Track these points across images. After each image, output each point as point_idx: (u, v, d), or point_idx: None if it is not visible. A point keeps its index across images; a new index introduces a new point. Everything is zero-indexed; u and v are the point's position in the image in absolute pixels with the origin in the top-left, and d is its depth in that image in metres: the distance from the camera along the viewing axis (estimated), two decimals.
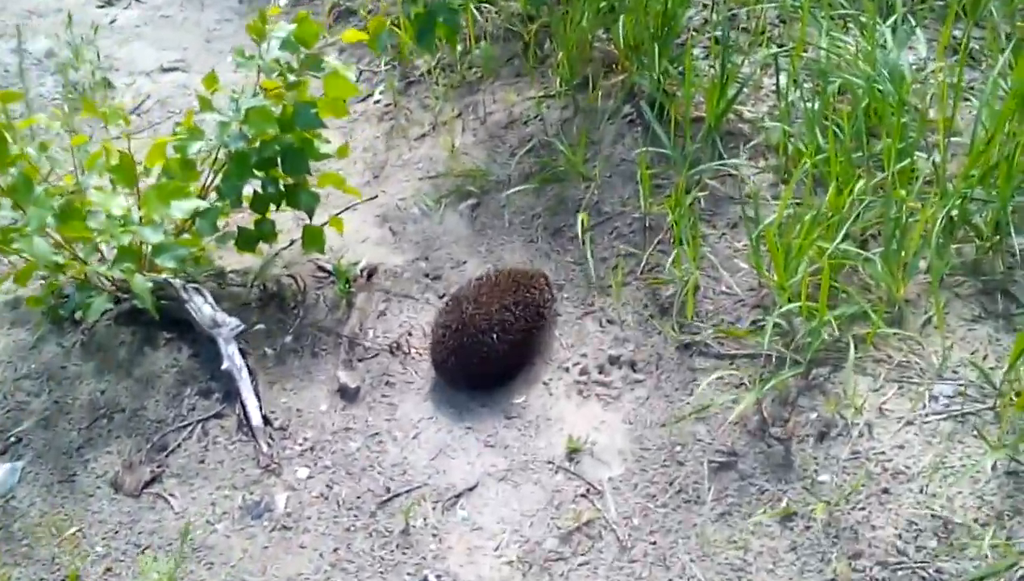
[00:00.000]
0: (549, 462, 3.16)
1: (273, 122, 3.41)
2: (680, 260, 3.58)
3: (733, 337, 3.37)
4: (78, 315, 3.64)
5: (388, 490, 3.12)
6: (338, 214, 4.28)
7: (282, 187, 3.73)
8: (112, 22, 6.22)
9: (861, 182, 3.46)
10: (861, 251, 3.29)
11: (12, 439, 3.46)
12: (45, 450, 3.42)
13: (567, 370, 3.49)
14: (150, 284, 3.41)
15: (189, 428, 3.38)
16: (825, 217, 3.39)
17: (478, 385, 3.42)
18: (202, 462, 3.27)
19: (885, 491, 2.80)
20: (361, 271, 3.93)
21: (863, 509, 2.78)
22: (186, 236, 3.63)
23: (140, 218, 3.32)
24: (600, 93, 4.46)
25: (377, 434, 3.31)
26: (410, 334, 3.67)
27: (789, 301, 3.22)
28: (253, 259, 3.96)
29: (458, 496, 3.08)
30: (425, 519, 3.01)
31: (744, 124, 4.20)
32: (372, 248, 4.18)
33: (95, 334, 3.75)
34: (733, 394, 3.19)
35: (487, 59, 4.91)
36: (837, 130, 3.65)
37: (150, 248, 3.48)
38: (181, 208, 3.30)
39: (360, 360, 3.59)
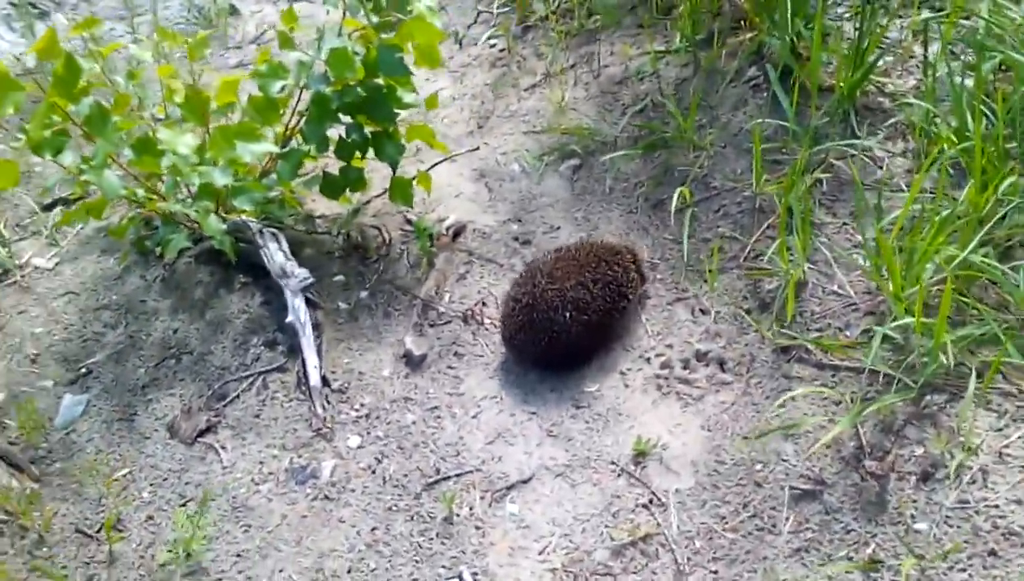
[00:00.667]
0: (613, 463, 2.83)
1: (353, 66, 3.13)
2: (787, 251, 3.13)
3: (838, 347, 2.92)
4: (159, 251, 3.52)
5: (438, 471, 2.87)
6: (433, 166, 4.01)
7: (368, 134, 3.45)
8: None
9: (1011, 179, 2.91)
10: (997, 265, 2.77)
11: (83, 370, 3.39)
12: (112, 385, 3.33)
13: (648, 361, 3.13)
14: (223, 226, 3.23)
15: (250, 379, 3.21)
16: (961, 217, 2.88)
17: (548, 366, 3.12)
18: (257, 416, 3.11)
19: (992, 553, 2.35)
20: (447, 229, 3.64)
21: (963, 571, 2.34)
22: (270, 181, 3.44)
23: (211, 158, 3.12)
24: (724, 52, 4.00)
25: (436, 408, 3.05)
26: (485, 303, 3.38)
27: (906, 313, 2.75)
28: (344, 207, 3.75)
29: (510, 488, 2.80)
30: (471, 508, 2.76)
31: (884, 98, 3.66)
32: (465, 204, 3.89)
33: (176, 271, 3.63)
34: (829, 413, 2.77)
35: (607, 7, 4.49)
36: (990, 115, 3.10)
37: (229, 189, 3.29)
38: (249, 150, 3.08)
39: (432, 325, 3.33)
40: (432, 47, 3.43)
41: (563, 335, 3.02)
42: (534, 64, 4.54)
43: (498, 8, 4.96)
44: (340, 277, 3.53)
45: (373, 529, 2.74)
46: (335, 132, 3.48)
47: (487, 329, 3.29)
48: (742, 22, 4.05)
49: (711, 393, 2.98)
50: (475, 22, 4.92)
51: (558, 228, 3.74)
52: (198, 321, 3.44)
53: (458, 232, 3.69)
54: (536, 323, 3.03)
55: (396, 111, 3.36)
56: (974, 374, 2.63)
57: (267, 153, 3.15)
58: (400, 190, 3.57)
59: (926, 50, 3.51)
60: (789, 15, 3.59)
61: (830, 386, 2.85)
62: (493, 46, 4.79)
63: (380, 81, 3.31)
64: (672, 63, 4.16)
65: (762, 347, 3.04)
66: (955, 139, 3.21)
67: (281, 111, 3.32)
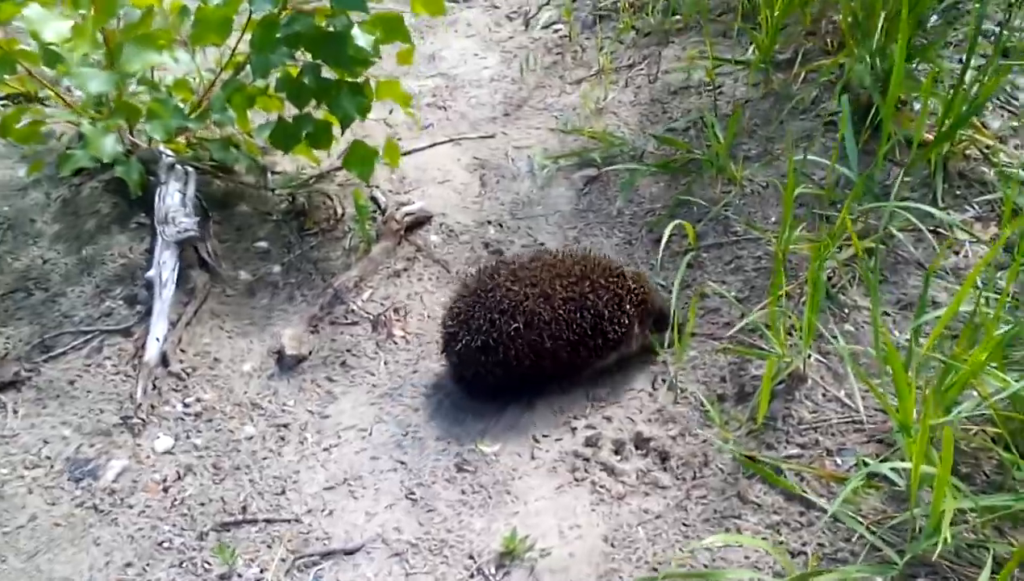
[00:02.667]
0: (471, 557, 2.03)
1: None
2: (786, 331, 2.25)
3: (818, 476, 2.03)
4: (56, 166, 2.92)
5: (244, 510, 2.13)
6: (432, 146, 3.31)
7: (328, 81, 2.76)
8: None
9: None
10: None
11: None
12: None
13: (574, 431, 2.31)
14: (119, 149, 2.62)
15: (88, 337, 2.56)
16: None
17: (476, 383, 2.35)
18: (72, 383, 2.45)
19: None
20: (403, 216, 2.91)
21: None
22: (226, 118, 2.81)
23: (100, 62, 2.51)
24: (804, 75, 3.10)
25: (286, 427, 2.33)
26: (402, 311, 2.63)
27: (916, 454, 1.83)
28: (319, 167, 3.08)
29: (325, 556, 2.04)
30: (262, 572, 2.01)
31: (989, 169, 2.70)
32: (446, 194, 3.15)
33: (80, 194, 3.02)
34: (773, 572, 1.88)
35: (690, 3, 3.65)
36: None
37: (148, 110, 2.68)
38: (140, 57, 2.45)
39: (333, 323, 2.61)
40: None
41: (499, 349, 2.25)
42: (592, 57, 3.75)
43: None
44: (263, 243, 2.86)
45: (127, 565, 2.03)
46: None
47: (395, 343, 2.54)
48: (834, 43, 3.14)
49: (637, 494, 2.13)
50: (548, 3, 4.16)
51: (541, 244, 2.95)
52: (72, 255, 2.82)
53: (418, 222, 2.95)
54: (473, 323, 2.27)
55: (367, 57, 2.64)
56: (991, 560, 1.69)
57: (153, 64, 2.50)
58: (357, 158, 2.87)
59: None
60: (882, 36, 2.67)
61: (792, 528, 1.96)
62: (558, 32, 4.02)
63: (352, 18, 2.61)
64: (741, 79, 3.29)
65: (722, 450, 2.17)
66: None
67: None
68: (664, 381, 2.38)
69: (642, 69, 3.57)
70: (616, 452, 2.24)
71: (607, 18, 3.94)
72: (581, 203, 3.09)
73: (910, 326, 2.09)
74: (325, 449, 2.26)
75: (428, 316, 2.62)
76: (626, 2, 3.86)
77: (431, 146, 3.37)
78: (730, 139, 2.82)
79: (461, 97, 3.73)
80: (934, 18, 3.03)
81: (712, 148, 2.89)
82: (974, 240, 2.49)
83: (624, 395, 2.38)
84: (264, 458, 2.24)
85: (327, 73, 2.71)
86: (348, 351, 2.51)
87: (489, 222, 3.04)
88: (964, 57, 2.68)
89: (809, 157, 2.75)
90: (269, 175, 3.07)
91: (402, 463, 2.23)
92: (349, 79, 2.73)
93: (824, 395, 2.20)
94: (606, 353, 2.34)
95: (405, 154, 3.32)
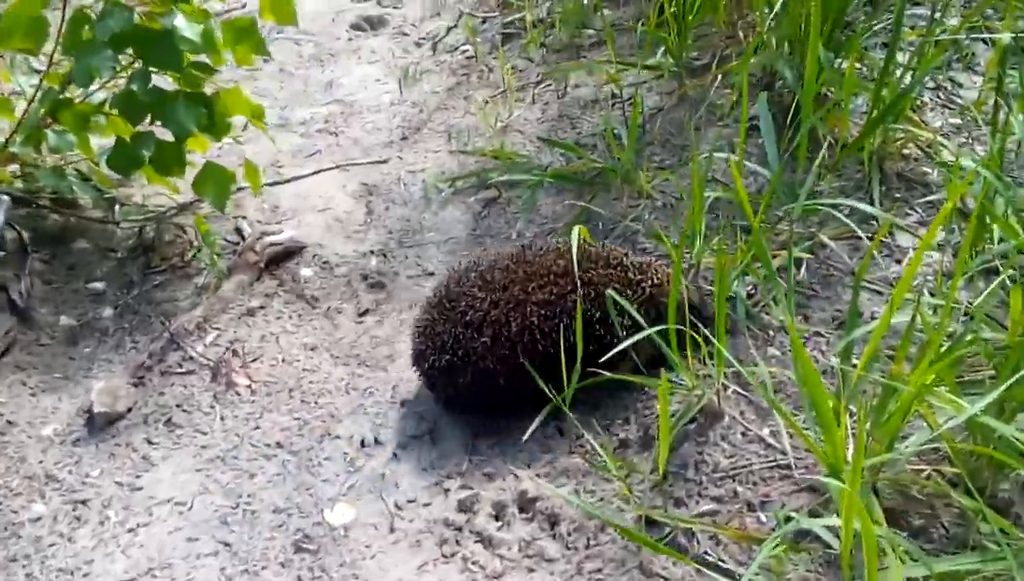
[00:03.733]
0: None
1: None
2: (699, 358, 1.83)
3: (735, 537, 1.58)
4: None
5: None
6: (315, 173, 2.90)
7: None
8: None
9: None
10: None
11: None
12: None
13: (447, 492, 1.85)
14: None
15: None
16: (995, 351, 1.53)
17: (452, 405, 2.00)
18: None
19: None
20: (262, 248, 2.48)
21: None
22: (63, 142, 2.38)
23: None
24: (719, 79, 2.73)
25: (84, 504, 1.86)
26: (255, 358, 2.18)
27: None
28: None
29: None
30: None
31: (928, 167, 2.33)
32: (326, 223, 2.73)
33: None
34: None
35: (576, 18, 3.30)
36: None
37: None
38: None
39: (164, 373, 2.15)
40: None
41: (468, 369, 1.86)
42: (499, 77, 3.38)
43: (486, 12, 3.83)
44: (99, 283, 2.42)
45: None
46: None
47: (237, 394, 2.09)
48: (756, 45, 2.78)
49: (518, 570, 1.68)
50: (456, 26, 3.80)
51: (430, 274, 2.53)
52: None
53: (287, 254, 2.52)
54: (438, 340, 1.91)
55: (195, 51, 2.23)
56: None
57: None
58: (210, 182, 2.44)
59: (997, 98, 2.15)
60: (802, 30, 2.30)
61: None
62: (464, 53, 3.65)
63: (182, 22, 2.20)
64: (656, 89, 2.92)
65: (624, 509, 1.72)
66: (1017, 229, 1.86)
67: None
68: (559, 430, 1.94)
69: (550, 85, 3.20)
70: (496, 517, 1.79)
71: (517, 36, 3.58)
72: (478, 227, 2.69)
73: (839, 345, 1.67)
74: (130, 530, 1.79)
75: (283, 360, 2.17)
76: (535, 18, 3.51)
77: (315, 173, 2.96)
78: (632, 144, 2.43)
79: (356, 123, 3.33)
80: (864, 11, 2.69)
81: (619, 160, 2.50)
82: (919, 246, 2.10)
83: (510, 444, 1.93)
84: (51, 545, 1.76)
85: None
86: (178, 406, 2.05)
87: (372, 252, 2.62)
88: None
89: (724, 162, 2.37)
90: (117, 208, 2.63)
91: (226, 544, 1.76)
92: (189, 89, 2.31)
93: (744, 435, 1.76)
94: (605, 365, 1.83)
95: (285, 182, 2.92)
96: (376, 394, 2.09)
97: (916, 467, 1.58)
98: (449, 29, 3.83)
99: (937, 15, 2.33)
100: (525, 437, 1.79)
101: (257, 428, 1.99)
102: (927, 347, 1.45)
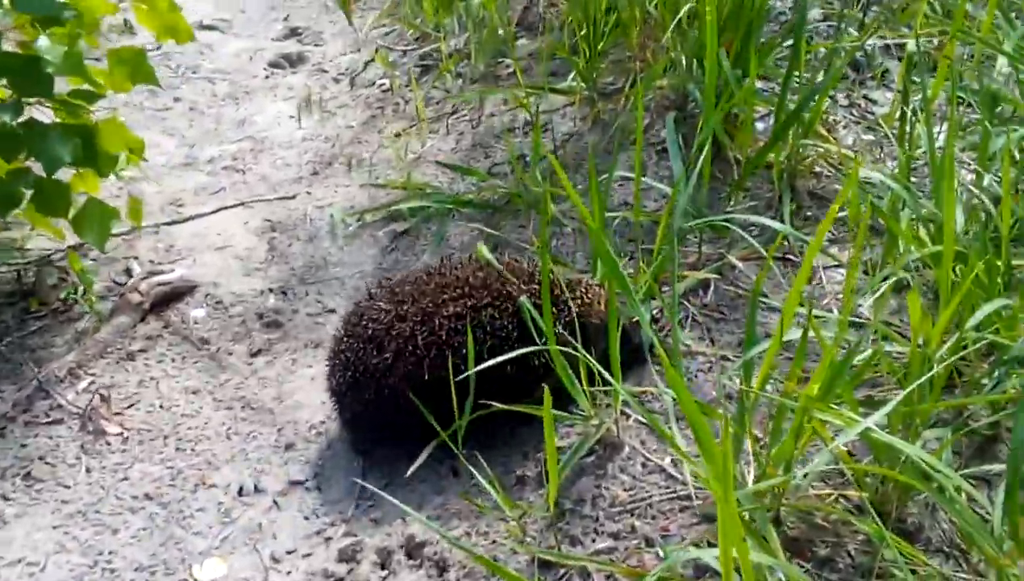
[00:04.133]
0: None
1: None
2: (584, 388, 1.71)
3: (630, 574, 1.46)
4: None
5: None
6: (216, 211, 2.78)
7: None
8: None
9: (999, 303, 1.46)
10: (945, 471, 1.28)
11: None
12: None
13: (328, 540, 1.70)
14: None
15: None
16: (896, 366, 1.43)
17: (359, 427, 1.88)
18: None
19: None
20: (147, 288, 2.33)
21: None
22: None
23: None
24: (629, 101, 2.66)
25: None
26: (131, 404, 2.02)
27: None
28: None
29: None
30: None
31: (840, 184, 2.27)
32: (223, 262, 2.59)
33: None
34: None
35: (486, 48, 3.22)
36: (991, 211, 1.68)
37: None
38: None
39: (28, 423, 1.99)
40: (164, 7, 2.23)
41: (370, 387, 1.74)
42: (415, 109, 3.29)
43: (404, 45, 3.76)
44: None
45: None
46: None
47: (107, 443, 1.93)
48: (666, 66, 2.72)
49: None
50: (372, 60, 3.72)
51: (331, 311, 2.40)
52: None
53: (177, 294, 2.37)
54: (342, 357, 1.79)
55: (59, 73, 2.09)
56: None
57: None
58: (90, 219, 2.29)
59: (905, 106, 2.10)
60: (711, 43, 2.23)
61: None
62: (381, 86, 3.57)
63: (45, 44, 2.08)
64: (569, 115, 2.84)
65: (519, 552, 1.59)
66: (925, 240, 1.79)
67: None
68: (453, 470, 1.81)
69: (465, 115, 3.11)
70: (381, 566, 1.65)
71: (434, 68, 3.50)
72: (386, 261, 2.57)
73: (737, 366, 1.57)
74: None
75: (160, 406, 2.02)
76: (450, 49, 3.44)
77: (216, 211, 2.83)
78: (534, 168, 2.33)
79: (266, 159, 3.22)
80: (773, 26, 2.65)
81: (527, 186, 2.40)
82: (836, 264, 2.02)
83: (402, 485, 1.79)
84: None
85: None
86: (40, 458, 1.89)
87: (271, 290, 2.48)
88: (805, 67, 2.28)
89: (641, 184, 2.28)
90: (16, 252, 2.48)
91: None
92: (70, 120, 2.19)
93: (644, 465, 1.65)
94: (525, 387, 1.67)
95: (184, 221, 2.78)
96: (259, 438, 1.95)
97: (821, 492, 1.48)
98: (366, 63, 3.75)
99: (843, 27, 2.27)
100: (409, 472, 1.64)
101: (125, 479, 1.83)
102: (821, 364, 1.35)
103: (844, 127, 2.51)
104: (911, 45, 2.03)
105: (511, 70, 3.32)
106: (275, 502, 1.79)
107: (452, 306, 1.75)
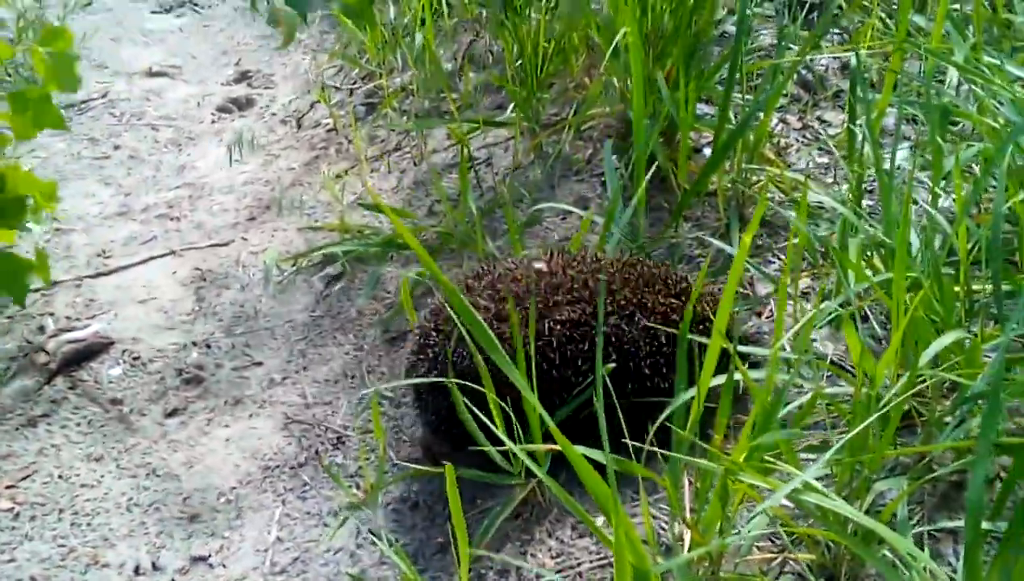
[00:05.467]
0: None
1: None
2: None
3: None
4: None
5: None
6: (145, 261, 2.63)
7: None
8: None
9: (955, 336, 1.31)
10: (892, 536, 1.12)
11: None
12: None
13: None
14: None
15: None
16: (837, 406, 1.28)
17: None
18: None
19: None
20: (53, 349, 2.17)
21: None
22: None
23: None
24: (571, 131, 2.53)
25: None
26: (25, 475, 1.85)
27: None
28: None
29: None
30: None
31: (794, 211, 2.12)
32: (146, 316, 2.44)
33: None
34: None
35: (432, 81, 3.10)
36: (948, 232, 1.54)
37: None
38: None
39: None
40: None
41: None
42: (358, 149, 3.16)
43: (350, 84, 3.65)
44: None
45: None
46: None
47: None
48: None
49: None
50: (318, 101, 3.59)
51: (259, 364, 2.24)
52: None
53: (89, 352, 2.21)
54: (429, 352, 1.62)
55: None
56: None
57: None
58: (2, 272, 2.13)
59: (852, 125, 1.96)
60: (636, 66, 2.10)
61: None
62: (326, 127, 3.44)
63: None
64: (515, 148, 2.71)
65: None
66: (879, 267, 1.64)
67: None
68: (371, 531, 1.64)
69: (407, 153, 2.98)
70: None
71: (380, 106, 3.38)
72: (319, 308, 2.41)
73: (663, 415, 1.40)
74: None
75: (59, 476, 1.85)
76: (393, 86, 3.31)
77: (144, 261, 2.68)
78: (465, 205, 2.19)
79: (203, 206, 3.08)
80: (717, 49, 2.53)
81: (460, 225, 2.26)
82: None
83: (316, 557, 1.62)
84: None
85: None
86: None
87: (194, 344, 2.32)
88: (754, 90, 2.15)
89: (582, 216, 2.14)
90: None
91: None
92: None
93: (574, 528, 1.48)
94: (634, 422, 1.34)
95: (108, 273, 2.63)
96: (162, 509, 1.77)
97: (767, 555, 1.31)
98: (313, 104, 3.63)
99: (783, 44, 2.15)
100: (324, 544, 1.47)
101: (11, 561, 1.66)
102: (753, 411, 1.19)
103: (796, 150, 2.38)
104: (853, 60, 1.90)
105: (458, 105, 3.20)
106: None
107: (567, 311, 1.54)
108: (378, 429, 1.60)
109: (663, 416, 1.30)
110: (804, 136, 2.46)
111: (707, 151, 2.41)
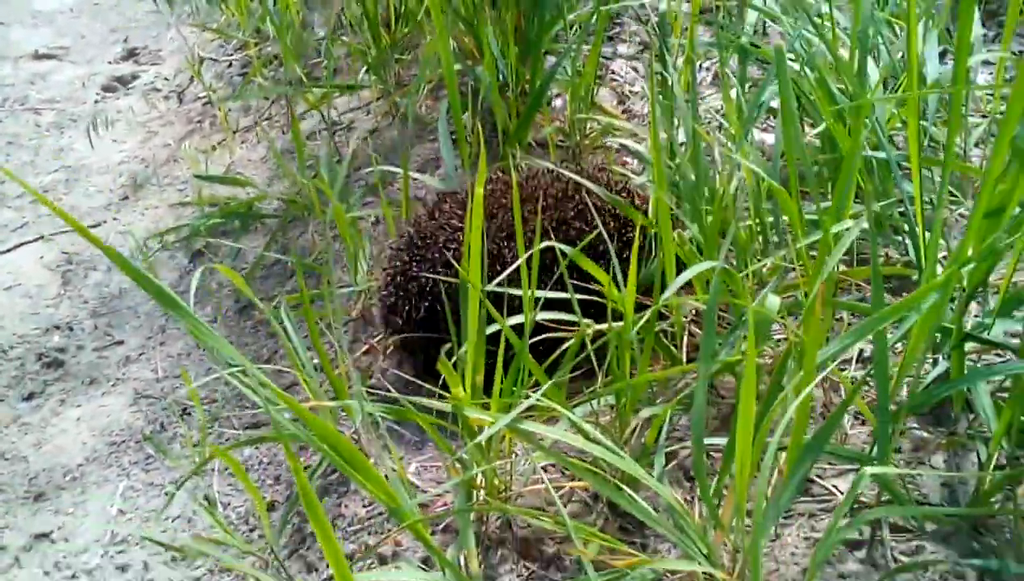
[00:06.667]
0: None
1: None
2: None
3: None
4: None
5: None
6: (13, 248, 2.63)
7: None
8: None
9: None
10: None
11: None
12: None
13: None
14: None
15: None
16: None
17: None
18: None
19: None
20: None
21: None
22: None
23: None
24: (425, 93, 2.57)
25: None
26: None
27: None
28: None
29: None
30: None
31: (631, 158, 2.19)
32: (10, 301, 2.45)
33: None
34: None
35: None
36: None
37: None
38: None
39: None
40: None
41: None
42: (233, 120, 3.16)
43: (227, 55, 3.63)
44: None
45: None
46: None
47: None
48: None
49: None
50: (199, 74, 3.57)
51: (120, 343, 2.27)
52: None
53: None
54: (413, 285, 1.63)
55: None
56: None
57: None
58: None
59: (664, 71, 2.02)
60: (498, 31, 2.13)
61: None
62: (203, 100, 3.43)
63: None
64: (376, 111, 2.74)
65: None
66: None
67: None
68: (205, 496, 1.69)
69: (278, 122, 2.99)
70: None
71: (248, 76, 3.37)
72: (183, 284, 2.44)
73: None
74: None
75: None
76: (264, 56, 3.31)
77: (13, 249, 2.68)
78: (302, 170, 2.22)
79: (79, 188, 3.07)
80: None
81: (304, 191, 2.29)
82: None
83: (156, 525, 1.67)
84: None
85: None
86: None
87: (57, 327, 2.34)
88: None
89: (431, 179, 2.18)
90: None
91: None
92: None
93: (387, 477, 1.54)
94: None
95: None
96: (8, 491, 1.81)
97: (557, 483, 1.39)
98: (191, 78, 3.61)
99: None
100: (163, 509, 1.52)
101: None
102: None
103: (642, 98, 2.44)
104: (662, 5, 1.95)
105: (330, 70, 3.21)
106: (16, 559, 1.66)
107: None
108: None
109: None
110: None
111: (557, 102, 2.47)
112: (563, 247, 1.33)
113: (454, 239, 1.59)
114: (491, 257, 1.50)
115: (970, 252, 1.18)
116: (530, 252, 1.29)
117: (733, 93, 1.80)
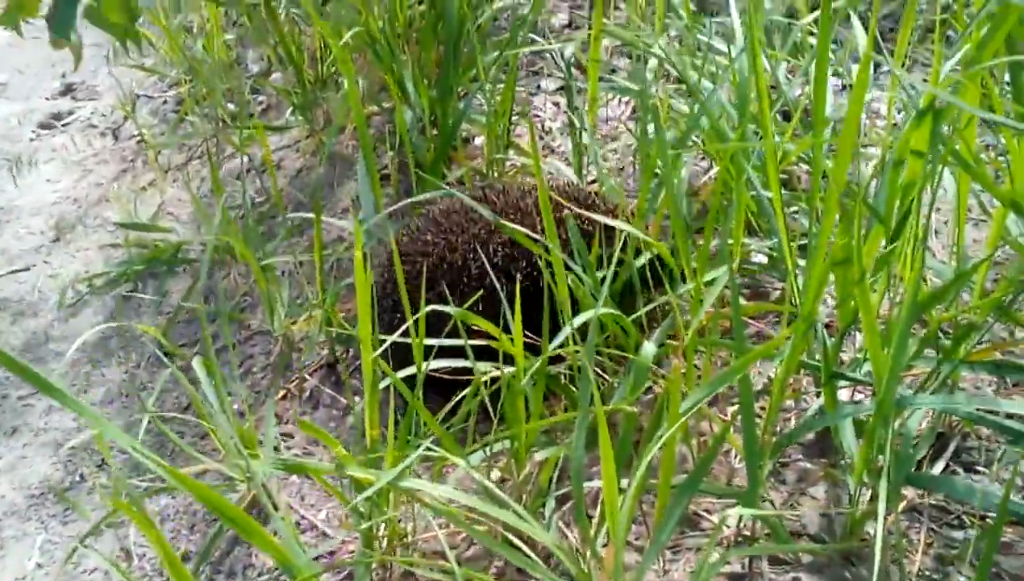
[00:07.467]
0: None
1: None
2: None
3: None
4: None
5: None
6: None
7: None
8: None
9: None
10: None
11: None
12: None
13: None
14: None
15: None
16: None
17: None
18: None
19: None
20: None
21: None
22: None
23: None
24: (348, 132, 2.60)
25: None
26: None
27: None
28: None
29: None
30: None
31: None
32: None
33: None
34: None
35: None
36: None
37: None
38: None
39: None
40: None
41: None
42: (165, 160, 3.18)
43: (162, 92, 3.64)
44: None
45: None
46: None
47: None
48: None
49: None
50: (133, 110, 3.58)
51: (33, 394, 2.27)
52: None
53: None
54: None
55: None
56: None
57: None
58: None
59: (569, 107, 2.08)
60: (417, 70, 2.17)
61: None
62: (137, 138, 3.44)
63: None
64: (303, 149, 2.77)
65: None
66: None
67: None
68: (122, 548, 1.71)
69: (207, 161, 3.01)
70: None
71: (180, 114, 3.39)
72: (109, 330, 2.44)
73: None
74: None
75: None
76: (196, 94, 3.32)
77: None
78: (223, 213, 2.24)
79: (9, 230, 3.06)
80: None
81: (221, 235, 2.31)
82: None
83: (74, 578, 1.68)
84: None
85: None
86: None
87: None
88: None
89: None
90: None
91: None
92: None
93: (299, 525, 1.57)
94: None
95: None
96: None
97: (453, 531, 1.42)
98: (126, 117, 3.61)
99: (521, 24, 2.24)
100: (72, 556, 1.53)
101: None
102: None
103: (562, 134, 2.49)
104: (567, 51, 2.01)
105: (264, 107, 3.24)
106: None
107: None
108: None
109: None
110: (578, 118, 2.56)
111: (479, 141, 2.52)
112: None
113: (425, 253, 1.62)
114: (456, 269, 1.57)
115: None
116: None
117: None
